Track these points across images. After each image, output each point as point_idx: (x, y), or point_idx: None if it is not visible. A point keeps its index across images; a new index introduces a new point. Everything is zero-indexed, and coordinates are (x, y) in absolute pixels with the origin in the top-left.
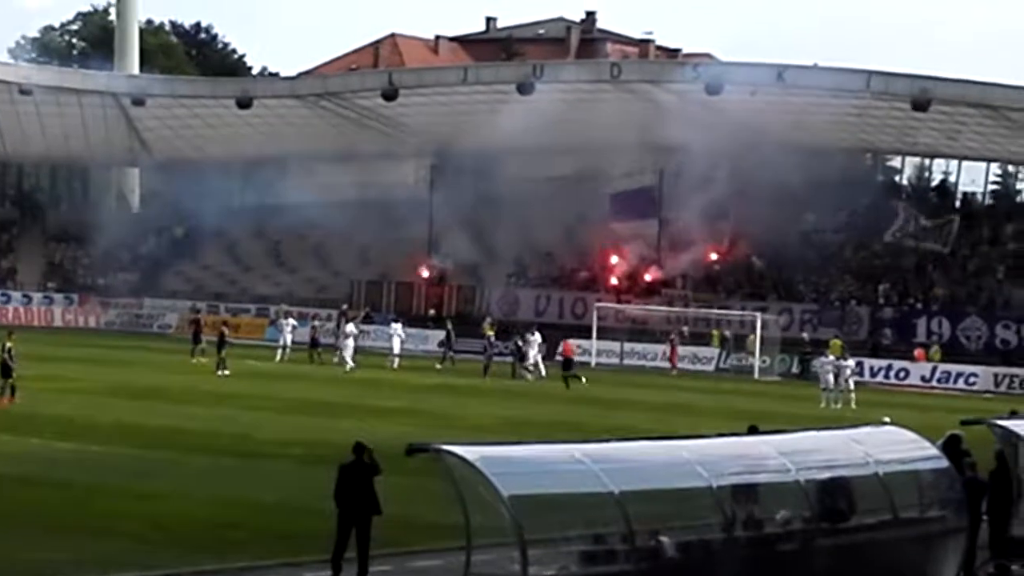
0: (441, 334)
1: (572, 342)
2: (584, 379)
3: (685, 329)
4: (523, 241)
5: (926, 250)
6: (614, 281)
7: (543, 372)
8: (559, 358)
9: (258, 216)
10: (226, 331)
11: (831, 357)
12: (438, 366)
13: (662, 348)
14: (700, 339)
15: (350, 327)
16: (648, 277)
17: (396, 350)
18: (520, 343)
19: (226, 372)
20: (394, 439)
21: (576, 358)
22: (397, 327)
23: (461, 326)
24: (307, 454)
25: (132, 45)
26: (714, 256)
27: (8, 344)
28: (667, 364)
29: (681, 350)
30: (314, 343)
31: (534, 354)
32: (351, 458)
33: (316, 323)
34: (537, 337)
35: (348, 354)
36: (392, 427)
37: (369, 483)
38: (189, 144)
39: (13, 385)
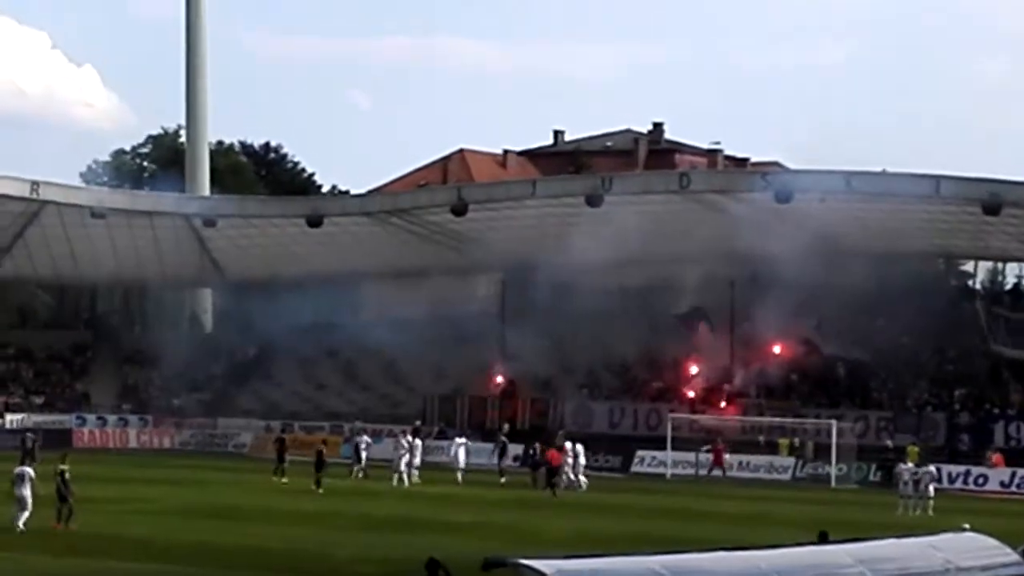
0: (517, 448)
1: (572, 446)
2: (556, 493)
3: (761, 438)
4: (596, 352)
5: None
6: (690, 393)
7: (584, 484)
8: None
9: (331, 334)
10: (324, 450)
11: (909, 464)
12: (502, 480)
13: (710, 456)
14: (776, 449)
15: (407, 441)
16: (722, 387)
17: (461, 464)
18: (534, 453)
19: (320, 491)
20: (470, 554)
21: (647, 468)
22: (462, 441)
23: (535, 439)
24: (385, 571)
25: (203, 166)
26: (788, 364)
27: (62, 467)
28: (741, 473)
29: (756, 459)
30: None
31: (573, 465)
32: None
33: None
34: (579, 448)
35: (400, 465)
36: (467, 542)
37: None
38: (261, 263)
39: (70, 509)
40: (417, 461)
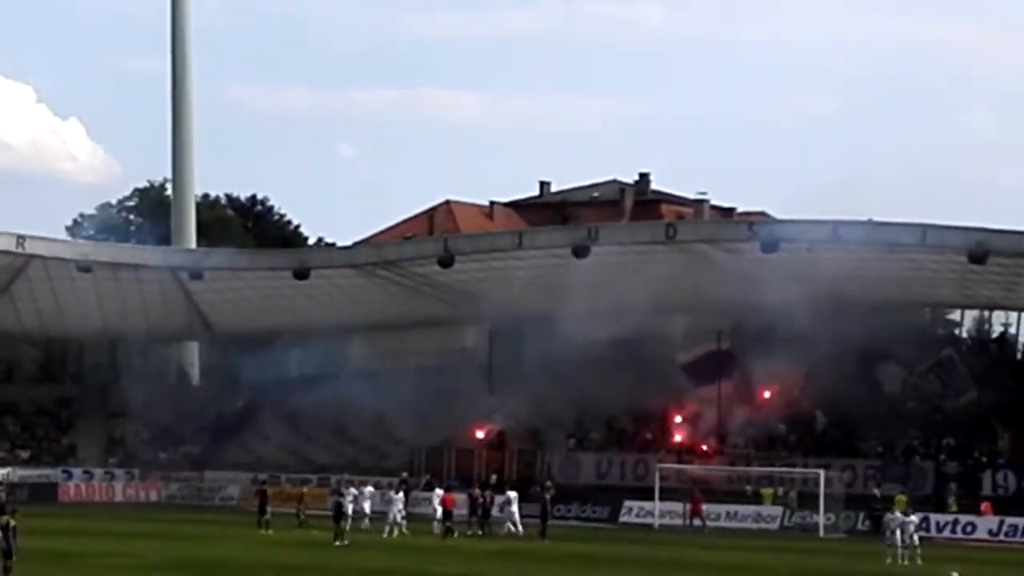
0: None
1: (485, 491)
2: (456, 533)
3: (748, 487)
4: (583, 404)
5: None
6: (677, 437)
7: (520, 530)
8: (439, 507)
9: (318, 386)
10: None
11: (897, 513)
12: (468, 532)
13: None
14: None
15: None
16: (709, 438)
17: (439, 515)
18: (479, 498)
19: (346, 542)
20: None
21: (635, 519)
22: (439, 493)
23: (522, 490)
24: None
25: (189, 219)
26: (775, 414)
27: (9, 521)
28: (729, 523)
29: (744, 509)
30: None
31: (511, 511)
32: None
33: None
34: (514, 495)
35: (396, 517)
36: None
37: None
38: (247, 316)
39: (8, 567)
40: (403, 512)
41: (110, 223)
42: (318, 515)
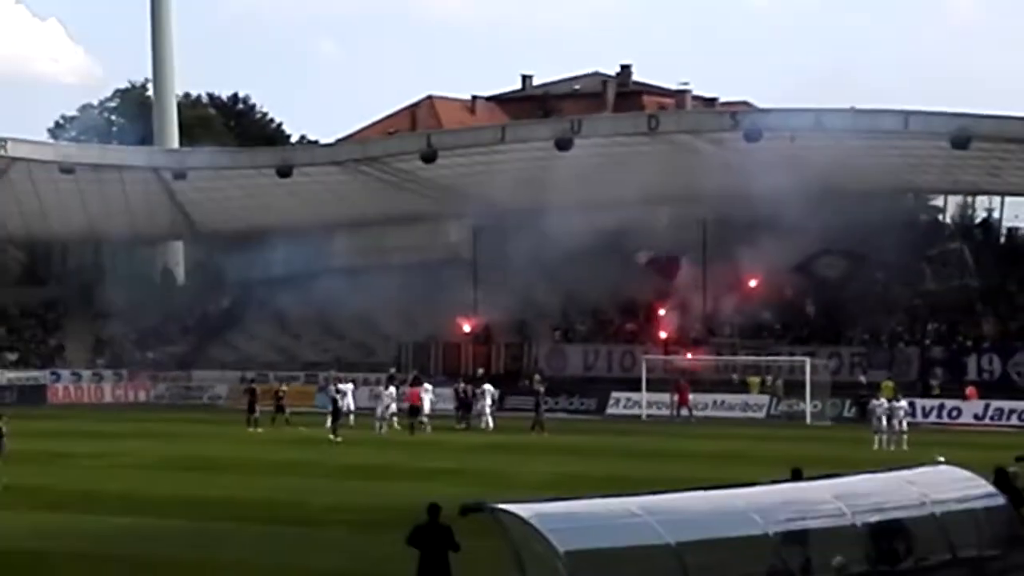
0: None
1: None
2: (429, 428)
3: (735, 375)
4: (569, 296)
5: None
6: (662, 334)
7: (491, 425)
8: (405, 404)
9: (303, 284)
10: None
11: (883, 399)
12: (457, 426)
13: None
14: (747, 387)
15: (386, 390)
16: (695, 327)
17: (427, 410)
18: (462, 394)
19: (339, 439)
20: (447, 500)
21: (623, 410)
22: (391, 391)
23: (510, 383)
24: (362, 519)
25: (171, 119)
26: (761, 303)
27: None
28: (716, 412)
29: (731, 398)
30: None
31: (483, 405)
32: (425, 519)
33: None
34: (489, 389)
35: (378, 413)
36: (445, 488)
37: (444, 550)
38: (231, 215)
39: None
40: (393, 408)
41: (92, 125)
42: (303, 412)
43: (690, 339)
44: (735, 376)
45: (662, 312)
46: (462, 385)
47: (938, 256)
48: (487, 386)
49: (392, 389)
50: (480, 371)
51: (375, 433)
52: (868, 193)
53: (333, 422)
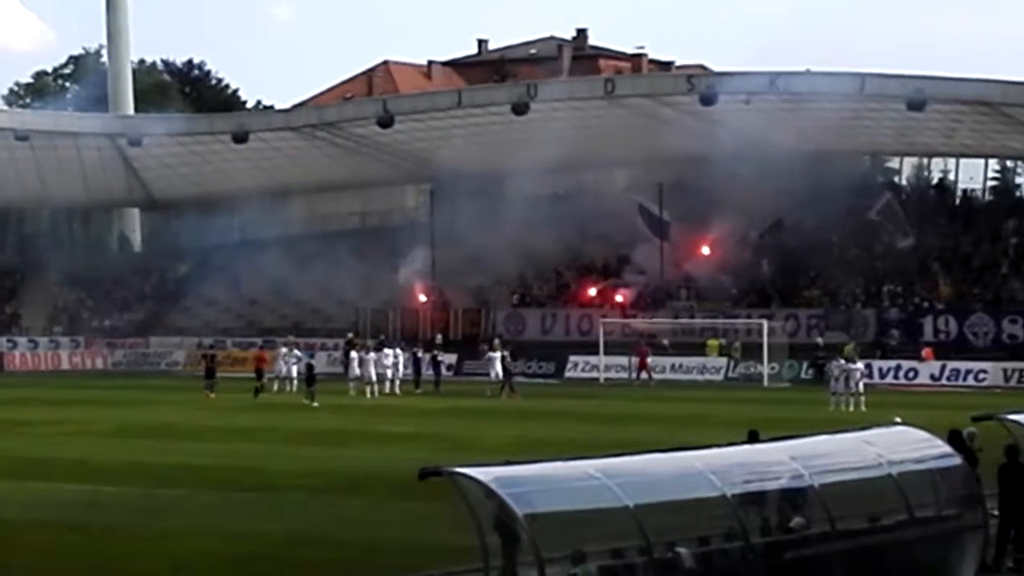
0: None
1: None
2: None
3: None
4: (526, 260)
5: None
6: (618, 297)
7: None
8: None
9: (260, 249)
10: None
11: (840, 361)
12: (417, 390)
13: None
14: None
15: (361, 355)
16: (651, 291)
17: (390, 375)
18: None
19: (315, 404)
20: (406, 464)
21: (581, 374)
22: (399, 353)
23: (469, 348)
24: (319, 484)
25: (126, 86)
26: (718, 265)
27: None
28: (674, 375)
29: (689, 361)
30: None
31: (496, 371)
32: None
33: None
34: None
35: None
36: (404, 452)
37: None
38: (188, 181)
39: None
40: (357, 372)
41: (47, 91)
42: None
43: (647, 302)
44: (728, 343)
45: (624, 283)
46: (435, 351)
47: (879, 212)
48: (397, 351)
49: (373, 354)
50: (439, 336)
51: (367, 398)
52: (824, 155)
53: (308, 387)
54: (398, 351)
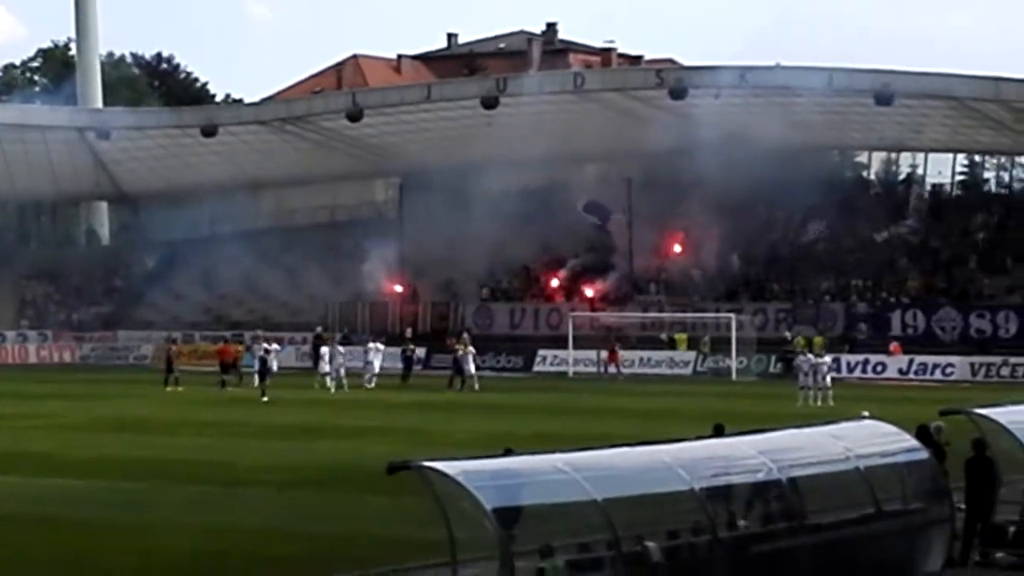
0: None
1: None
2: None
3: (664, 335)
4: (496, 254)
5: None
6: (588, 292)
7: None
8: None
9: (229, 243)
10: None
11: (809, 355)
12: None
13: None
14: (675, 344)
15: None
16: (622, 285)
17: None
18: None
19: (264, 399)
20: (375, 458)
21: (550, 368)
22: (381, 347)
23: (437, 343)
24: (288, 478)
25: (94, 79)
26: (687, 259)
27: None
28: (643, 369)
29: (657, 355)
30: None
31: (468, 368)
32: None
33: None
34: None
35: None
36: (372, 447)
37: None
38: (156, 175)
39: None
40: (326, 367)
41: (14, 85)
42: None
43: (616, 297)
44: (664, 334)
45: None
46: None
47: (849, 209)
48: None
49: (342, 348)
50: (408, 330)
51: (331, 392)
52: (793, 150)
53: (260, 382)
54: (379, 345)
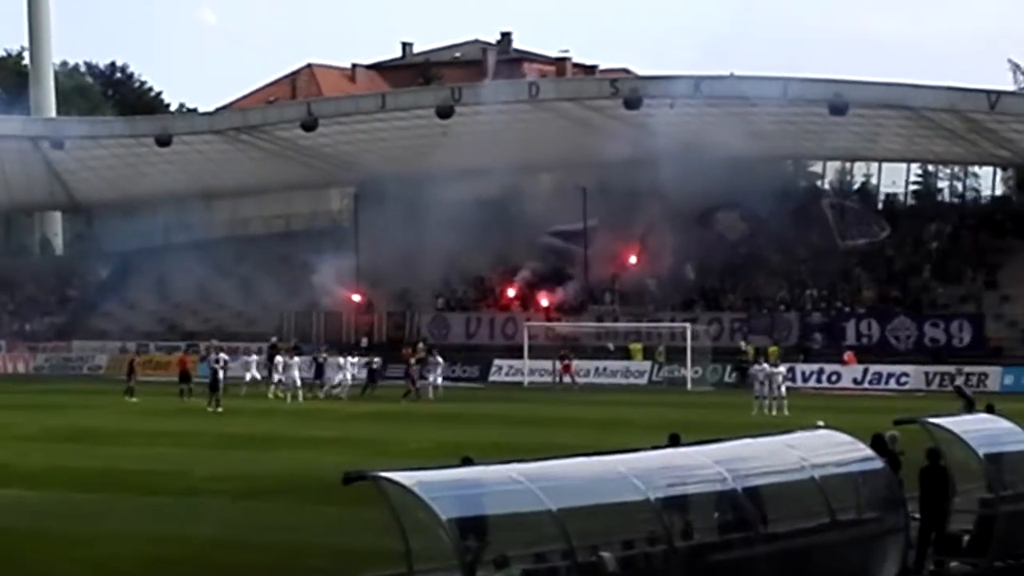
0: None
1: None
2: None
3: (611, 344)
4: (451, 264)
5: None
6: (544, 302)
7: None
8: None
9: (184, 253)
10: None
11: (764, 365)
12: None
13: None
14: (630, 354)
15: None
16: (576, 295)
17: (344, 379)
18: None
19: (219, 409)
20: (330, 469)
21: (505, 378)
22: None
23: (392, 352)
24: (243, 488)
25: (48, 88)
26: (641, 269)
27: None
28: (598, 379)
29: (613, 364)
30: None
31: (433, 378)
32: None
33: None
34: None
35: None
36: (327, 457)
37: None
38: (110, 185)
39: None
40: (278, 378)
41: None
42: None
43: (571, 306)
44: (611, 344)
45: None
46: (376, 359)
47: (803, 218)
48: (285, 357)
49: (297, 359)
50: (364, 340)
51: (286, 402)
52: (747, 160)
53: (211, 392)
54: (351, 359)
